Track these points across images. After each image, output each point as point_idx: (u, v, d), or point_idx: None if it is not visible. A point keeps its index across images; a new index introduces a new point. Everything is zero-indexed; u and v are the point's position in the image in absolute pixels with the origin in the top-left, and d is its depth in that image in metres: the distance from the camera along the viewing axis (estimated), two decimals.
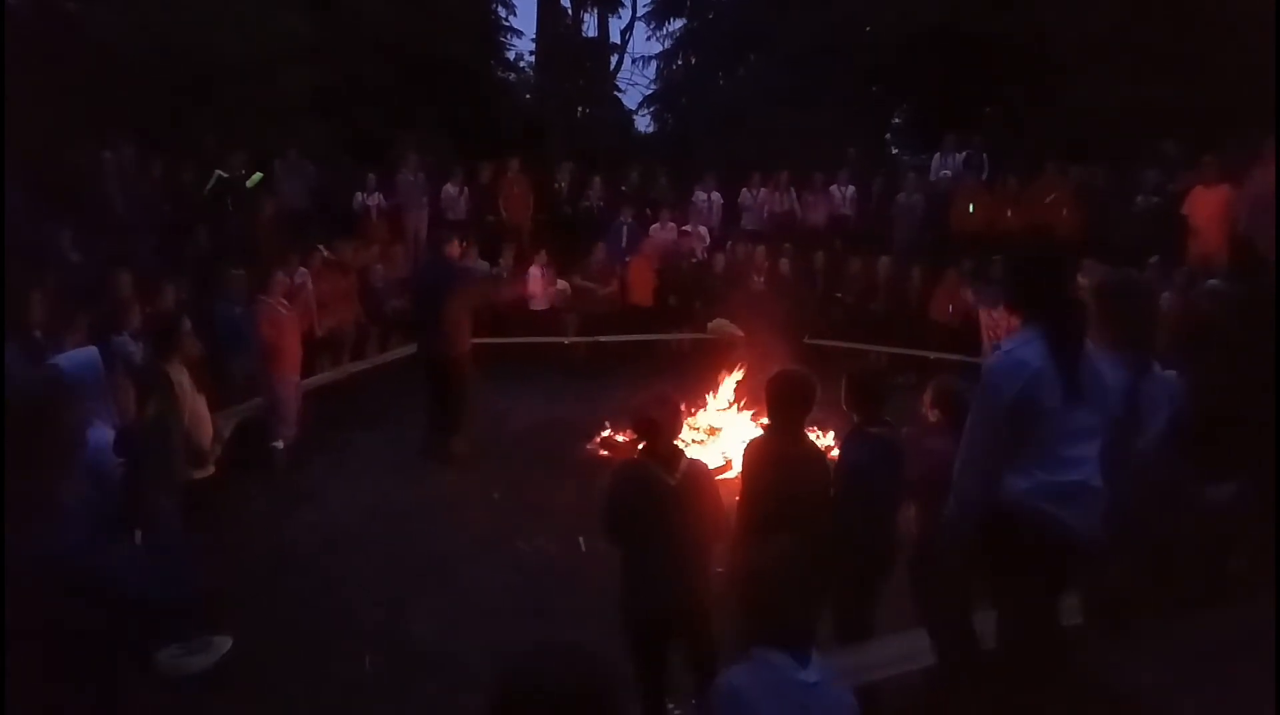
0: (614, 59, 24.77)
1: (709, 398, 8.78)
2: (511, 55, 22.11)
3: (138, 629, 2.68)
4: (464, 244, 9.53)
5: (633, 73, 24.85)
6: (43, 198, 9.26)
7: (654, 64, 23.97)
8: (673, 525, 3.79)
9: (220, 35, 12.51)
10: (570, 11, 23.25)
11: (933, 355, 9.81)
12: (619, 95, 24.43)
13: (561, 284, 11.95)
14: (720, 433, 8.32)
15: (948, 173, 13.13)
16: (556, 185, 13.61)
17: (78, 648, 2.44)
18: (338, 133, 14.45)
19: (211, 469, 5.76)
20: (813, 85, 17.81)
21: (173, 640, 4.47)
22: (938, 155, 13.51)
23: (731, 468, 7.27)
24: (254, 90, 13.12)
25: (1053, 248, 3.39)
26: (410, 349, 9.64)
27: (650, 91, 24.09)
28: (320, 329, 9.45)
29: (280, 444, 7.90)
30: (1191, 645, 3.43)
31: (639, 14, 24.24)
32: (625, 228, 12.73)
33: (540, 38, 22.57)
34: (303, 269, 9.43)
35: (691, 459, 3.98)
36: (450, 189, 12.84)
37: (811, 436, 4.50)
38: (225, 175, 11.13)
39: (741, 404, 8.52)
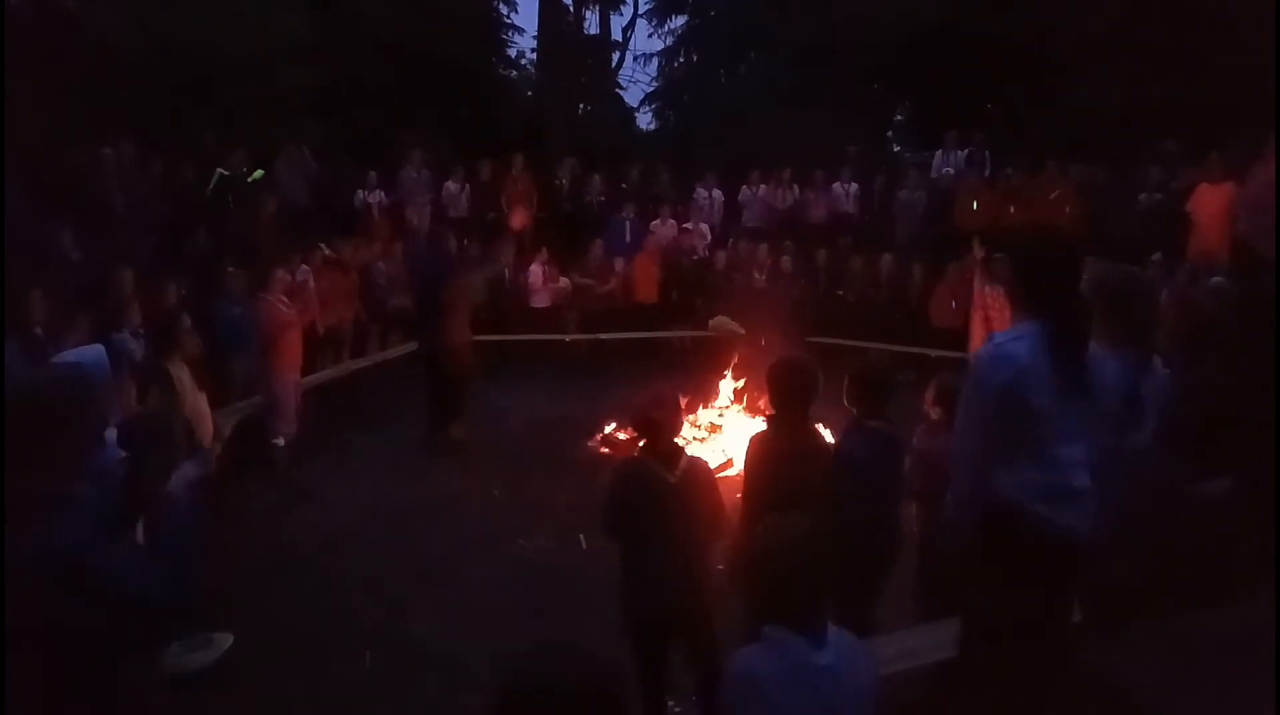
0: (615, 56, 24.77)
1: (710, 395, 8.78)
2: (513, 53, 22.16)
3: (139, 628, 2.69)
4: (465, 241, 9.53)
5: (634, 70, 24.87)
6: (43, 197, 9.25)
7: (655, 61, 24.00)
8: (673, 523, 3.78)
9: (220, 34, 12.51)
10: (572, 9, 23.24)
11: (934, 353, 9.80)
12: (620, 93, 24.46)
13: (563, 282, 11.96)
14: (721, 431, 8.32)
15: (950, 170, 13.13)
16: (558, 182, 13.62)
17: (78, 648, 2.44)
18: (338, 132, 14.44)
19: (212, 467, 5.77)
20: (814, 83, 17.80)
21: (174, 639, 4.48)
22: (939, 153, 13.51)
23: (733, 466, 7.28)
24: (254, 89, 13.12)
25: (1062, 243, 3.34)
26: (411, 347, 9.67)
27: (651, 89, 24.12)
28: (321, 327, 9.45)
29: (281, 442, 7.90)
30: (1191, 645, 3.42)
31: (640, 11, 24.26)
32: (628, 224, 12.75)
33: (541, 35, 22.54)
34: (304, 267, 9.43)
35: (692, 457, 3.97)
36: (451, 186, 12.85)
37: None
38: (227, 174, 11.13)
39: (744, 402, 8.53)
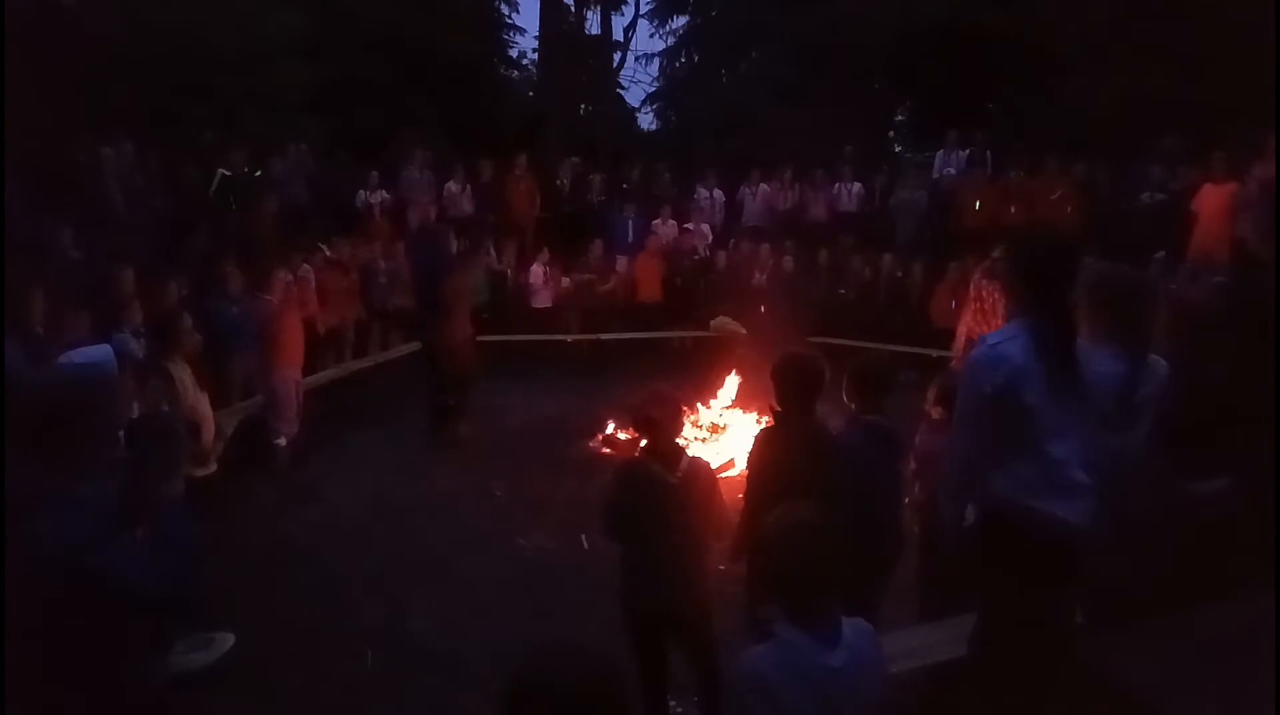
0: (617, 56, 24.78)
1: (711, 395, 8.78)
2: (514, 53, 22.17)
3: (143, 628, 2.70)
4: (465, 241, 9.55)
5: (635, 70, 24.91)
6: (42, 194, 9.25)
7: (657, 61, 23.99)
8: (673, 524, 3.78)
9: (219, 32, 12.52)
10: (573, 9, 23.25)
11: (935, 353, 9.80)
12: (621, 92, 24.46)
13: (564, 282, 11.96)
14: (723, 431, 8.32)
15: (951, 170, 13.13)
16: (558, 182, 13.63)
17: (82, 647, 2.44)
18: (338, 131, 14.45)
19: (213, 466, 5.79)
20: (815, 82, 17.80)
21: (178, 639, 4.49)
22: (941, 152, 13.50)
23: (734, 466, 7.28)
24: (253, 86, 13.12)
25: (1058, 243, 3.35)
26: (412, 347, 9.70)
27: (653, 89, 24.12)
28: (321, 327, 9.46)
29: (282, 442, 7.90)
30: (1191, 643, 3.42)
31: (642, 11, 24.26)
32: (629, 223, 12.77)
33: (543, 35, 22.55)
34: (305, 266, 9.44)
35: (693, 457, 3.96)
36: (453, 186, 12.85)
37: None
38: (229, 174, 11.14)
39: (746, 403, 8.53)
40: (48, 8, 11.01)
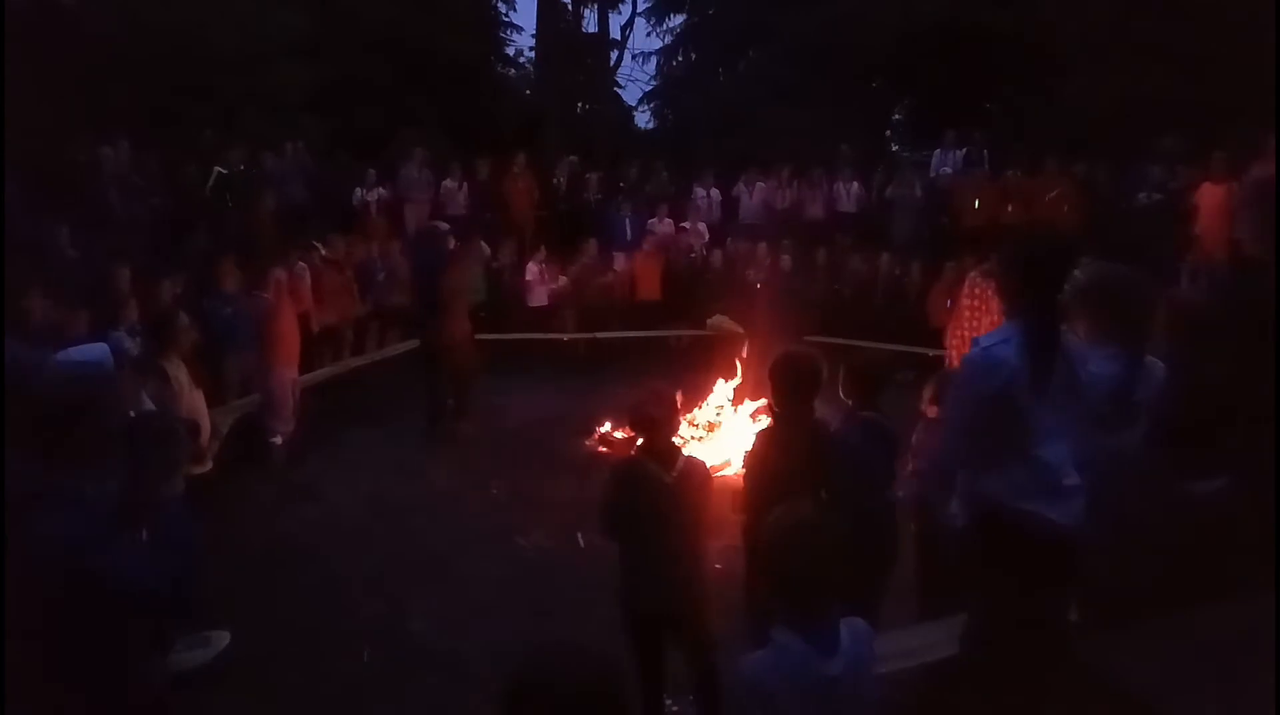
0: (614, 55, 24.77)
1: (708, 394, 8.77)
2: (511, 51, 22.14)
3: (144, 627, 2.69)
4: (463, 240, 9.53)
5: (633, 69, 24.86)
6: (40, 194, 9.23)
7: (654, 60, 23.97)
8: (670, 523, 3.78)
9: (219, 31, 12.50)
10: (570, 7, 23.25)
11: (931, 352, 9.80)
12: (619, 91, 24.45)
13: (561, 280, 11.95)
14: (720, 430, 8.31)
15: (947, 169, 13.13)
16: (555, 181, 13.62)
17: (81, 646, 2.44)
18: (338, 130, 14.45)
19: (209, 465, 5.77)
20: (813, 81, 17.79)
21: (177, 637, 4.48)
22: (938, 152, 13.50)
23: (730, 466, 7.27)
24: (253, 86, 13.11)
25: (1054, 245, 3.35)
26: (409, 345, 9.69)
27: (650, 88, 24.11)
28: (316, 325, 9.45)
29: (278, 440, 7.89)
30: (1191, 644, 3.42)
31: (639, 10, 24.26)
32: (626, 222, 12.77)
33: (540, 34, 22.54)
34: (301, 264, 9.42)
35: (689, 456, 3.96)
36: (449, 184, 12.83)
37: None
38: (225, 172, 11.12)
39: (742, 402, 8.51)
40: (48, 8, 10.99)
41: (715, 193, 13.64)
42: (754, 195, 13.42)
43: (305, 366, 8.58)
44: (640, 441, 3.93)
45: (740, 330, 10.48)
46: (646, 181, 13.94)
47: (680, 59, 23.39)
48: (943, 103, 16.88)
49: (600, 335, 11.50)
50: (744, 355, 8.91)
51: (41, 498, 2.38)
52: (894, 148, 19.76)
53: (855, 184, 13.25)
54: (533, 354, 11.24)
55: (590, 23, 23.92)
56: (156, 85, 11.88)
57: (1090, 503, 3.12)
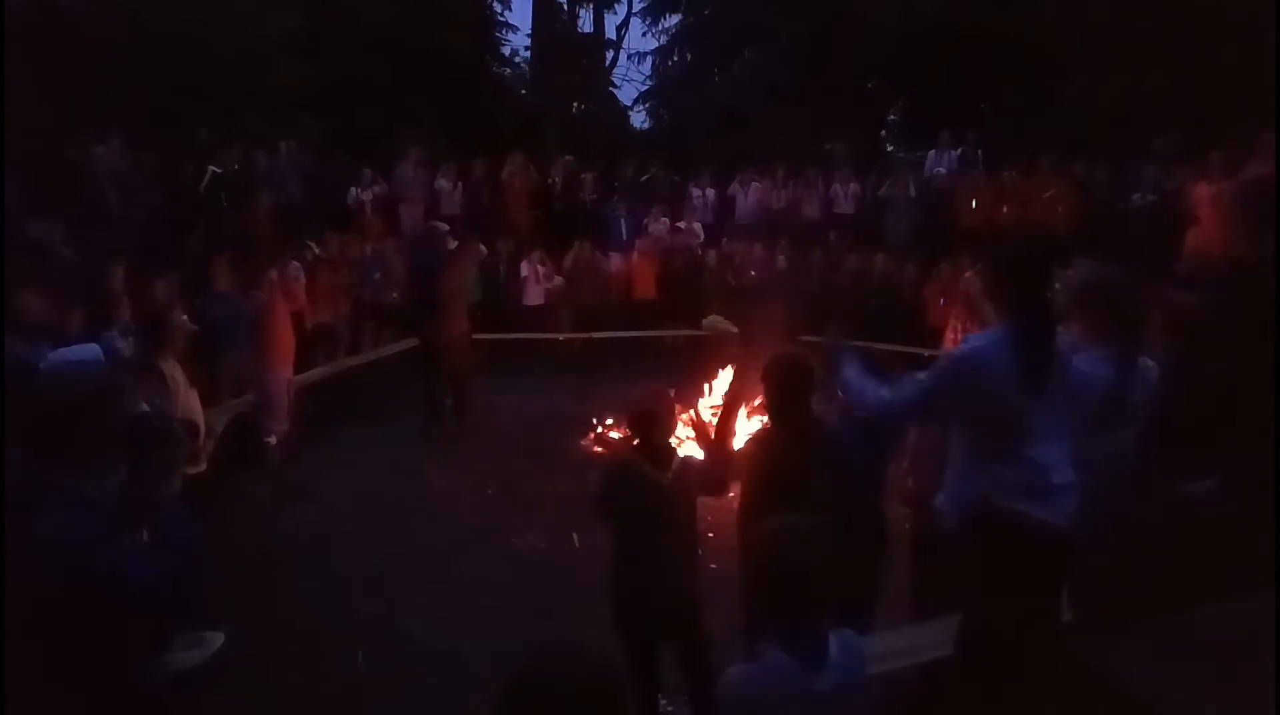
0: (609, 55, 24.76)
1: (704, 395, 8.76)
2: (506, 51, 22.13)
3: (144, 626, 2.68)
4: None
5: (628, 69, 24.87)
6: (36, 193, 9.20)
7: (650, 60, 23.99)
8: (665, 524, 3.78)
9: (218, 31, 12.48)
10: (566, 7, 23.23)
11: (928, 352, 9.80)
12: (614, 91, 24.45)
13: (556, 280, 11.95)
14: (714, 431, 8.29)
15: (941, 170, 13.13)
16: (551, 180, 13.61)
17: (81, 646, 2.43)
18: (337, 130, 14.44)
19: (204, 465, 5.75)
20: (809, 81, 17.81)
21: (175, 637, 4.47)
22: (933, 152, 13.51)
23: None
24: (249, 85, 13.09)
25: (1036, 248, 3.36)
26: (404, 345, 9.68)
27: (646, 88, 24.11)
28: (309, 323, 9.43)
29: (273, 440, 7.88)
30: (1191, 644, 3.43)
31: (635, 10, 24.26)
32: (622, 221, 12.76)
33: (536, 33, 22.53)
34: (295, 263, 9.41)
35: (685, 457, 3.96)
36: (443, 183, 12.81)
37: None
38: (220, 172, 11.09)
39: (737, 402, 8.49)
40: (47, 8, 10.94)
41: (711, 192, 13.64)
42: (749, 195, 13.41)
43: (301, 366, 8.57)
44: (636, 442, 3.92)
45: (735, 331, 10.48)
46: (642, 181, 13.93)
47: (676, 59, 23.41)
48: (939, 103, 16.90)
49: (595, 335, 11.49)
50: (739, 355, 8.90)
51: (41, 498, 2.37)
52: (889, 148, 19.79)
53: (853, 184, 13.24)
54: (528, 354, 11.23)
55: (586, 23, 23.95)
56: (155, 85, 11.85)
57: (1084, 503, 3.13)
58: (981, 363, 3.03)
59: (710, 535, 5.44)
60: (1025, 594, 3.11)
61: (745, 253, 12.08)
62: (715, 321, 10.94)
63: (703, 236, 12.91)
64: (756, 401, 8.22)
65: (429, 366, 8.52)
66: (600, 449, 8.26)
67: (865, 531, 4.07)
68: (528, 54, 22.75)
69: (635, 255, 12.23)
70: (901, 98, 19.72)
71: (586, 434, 8.63)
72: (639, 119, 23.89)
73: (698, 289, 11.96)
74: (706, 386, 8.78)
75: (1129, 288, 3.55)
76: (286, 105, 13.73)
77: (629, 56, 24.71)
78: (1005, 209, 11.87)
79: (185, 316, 6.06)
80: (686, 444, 7.70)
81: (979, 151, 13.08)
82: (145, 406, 4.82)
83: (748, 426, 7.80)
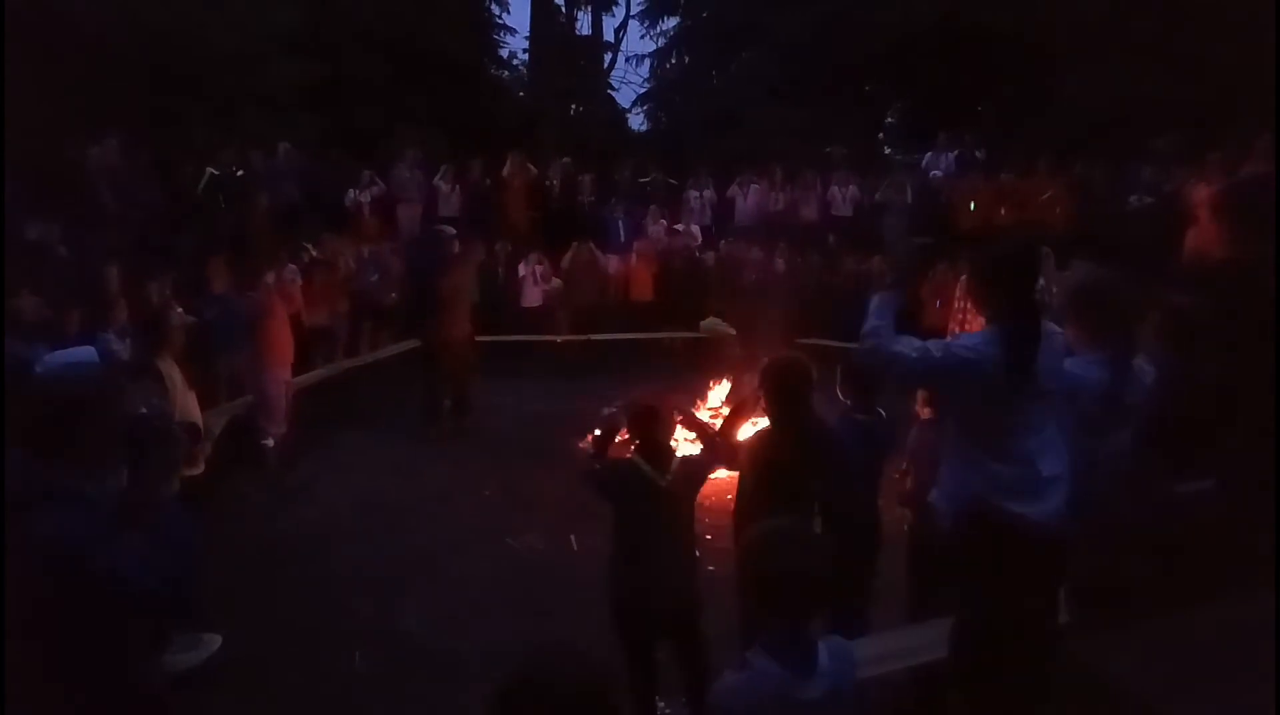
0: (608, 57, 24.78)
1: (702, 397, 8.76)
2: (505, 53, 22.15)
3: (143, 627, 2.68)
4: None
5: (626, 71, 24.89)
6: (34, 193, 9.19)
7: (648, 62, 24.02)
8: (664, 525, 3.78)
9: (216, 30, 12.49)
10: (564, 9, 23.24)
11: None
12: (612, 93, 24.47)
13: (554, 282, 11.95)
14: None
15: (938, 172, 13.14)
16: (548, 182, 13.61)
17: (81, 646, 2.43)
18: (335, 129, 14.44)
19: (201, 467, 5.74)
20: (807, 82, 17.81)
21: (174, 638, 4.46)
22: (930, 154, 13.52)
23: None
24: (246, 84, 13.09)
25: (1019, 247, 3.36)
26: (403, 346, 9.68)
27: (644, 90, 24.13)
28: (306, 322, 9.42)
29: (270, 442, 7.87)
30: (1191, 644, 3.43)
31: (633, 12, 24.28)
32: (620, 223, 12.76)
33: (534, 35, 22.54)
34: (292, 265, 9.40)
35: (684, 457, 3.96)
36: (441, 184, 12.82)
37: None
38: (216, 173, 11.09)
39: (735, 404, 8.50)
40: (45, 7, 10.94)
41: (709, 194, 13.65)
42: (748, 197, 13.41)
43: (298, 368, 8.56)
44: (635, 444, 3.92)
45: (733, 333, 10.48)
46: (640, 183, 13.93)
47: (674, 61, 23.43)
48: (938, 104, 16.92)
49: (593, 337, 11.49)
50: (737, 357, 8.91)
51: (41, 498, 2.36)
52: (886, 150, 19.81)
53: (851, 187, 13.24)
54: (526, 355, 11.23)
55: (584, 25, 23.97)
56: (153, 83, 11.85)
57: (1078, 502, 3.14)
58: (972, 363, 3.03)
59: (708, 537, 5.45)
60: (1018, 594, 3.11)
61: (743, 254, 12.06)
62: (713, 324, 10.94)
63: (700, 238, 12.92)
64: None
65: (429, 367, 8.53)
66: (598, 450, 8.23)
67: (860, 533, 4.08)
68: (526, 56, 22.80)
69: (633, 257, 12.22)
70: (900, 99, 19.75)
71: (584, 436, 8.62)
72: (637, 121, 23.97)
73: (696, 291, 11.96)
74: (708, 386, 8.79)
75: (1124, 290, 3.55)
76: (284, 104, 13.73)
77: (627, 59, 24.78)
78: (1003, 210, 11.86)
79: (180, 317, 6.04)
80: (684, 445, 7.75)
81: (977, 152, 13.09)
82: (143, 409, 4.83)
83: (748, 428, 7.82)
